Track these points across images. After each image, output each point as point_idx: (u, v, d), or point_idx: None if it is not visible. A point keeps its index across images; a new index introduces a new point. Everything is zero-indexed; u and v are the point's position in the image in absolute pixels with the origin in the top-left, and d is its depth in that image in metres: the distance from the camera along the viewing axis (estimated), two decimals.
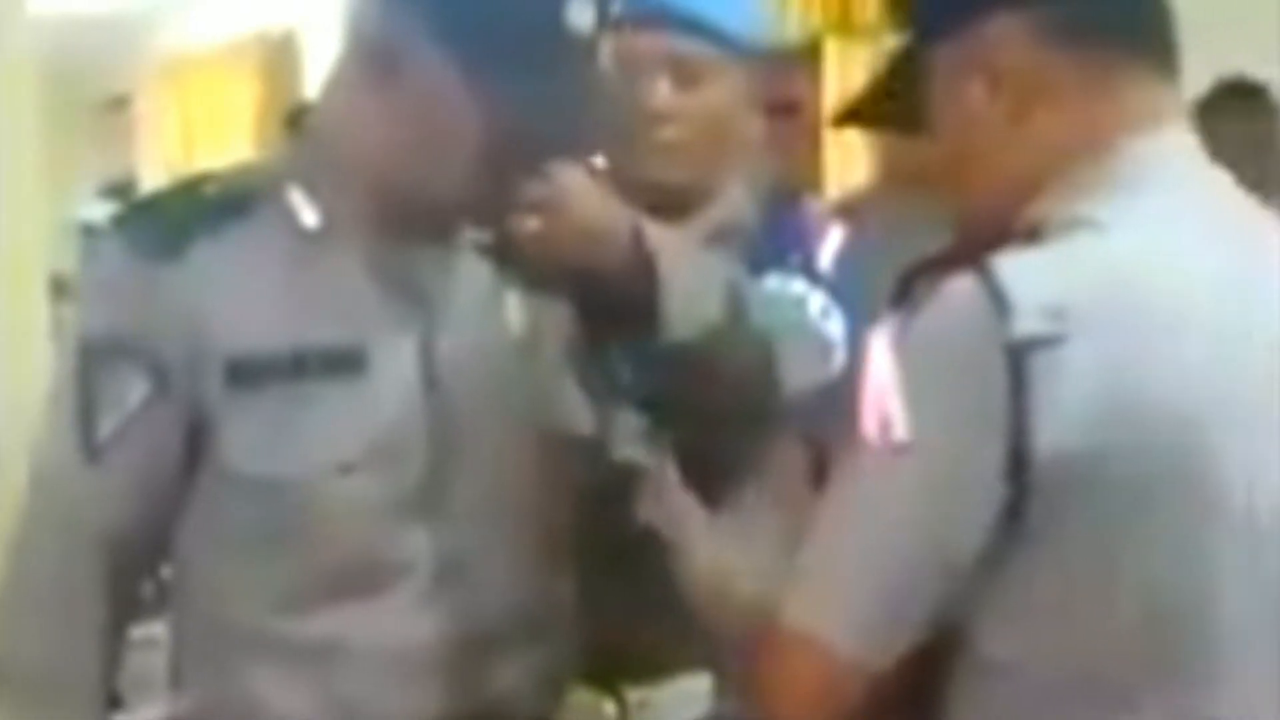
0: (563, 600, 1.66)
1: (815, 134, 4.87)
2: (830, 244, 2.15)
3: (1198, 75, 3.61)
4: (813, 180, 4.12)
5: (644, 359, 1.61)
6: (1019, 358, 1.11)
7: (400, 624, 1.52)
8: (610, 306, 1.58)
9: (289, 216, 1.52)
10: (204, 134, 8.09)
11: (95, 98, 8.86)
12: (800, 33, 5.33)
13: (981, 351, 1.13)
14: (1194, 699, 1.19)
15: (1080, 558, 1.15)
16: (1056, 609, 1.17)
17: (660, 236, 1.61)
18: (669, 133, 1.94)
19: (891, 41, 1.38)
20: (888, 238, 2.88)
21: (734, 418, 1.70)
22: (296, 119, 1.60)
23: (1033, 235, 1.18)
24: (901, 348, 1.16)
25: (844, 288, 2.09)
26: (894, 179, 2.99)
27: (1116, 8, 1.27)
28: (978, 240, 1.28)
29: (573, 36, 1.46)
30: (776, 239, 2.04)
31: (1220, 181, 1.28)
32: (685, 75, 1.93)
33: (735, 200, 2.02)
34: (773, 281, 1.97)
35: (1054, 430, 1.12)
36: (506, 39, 1.43)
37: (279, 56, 7.65)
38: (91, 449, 1.48)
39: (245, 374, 1.47)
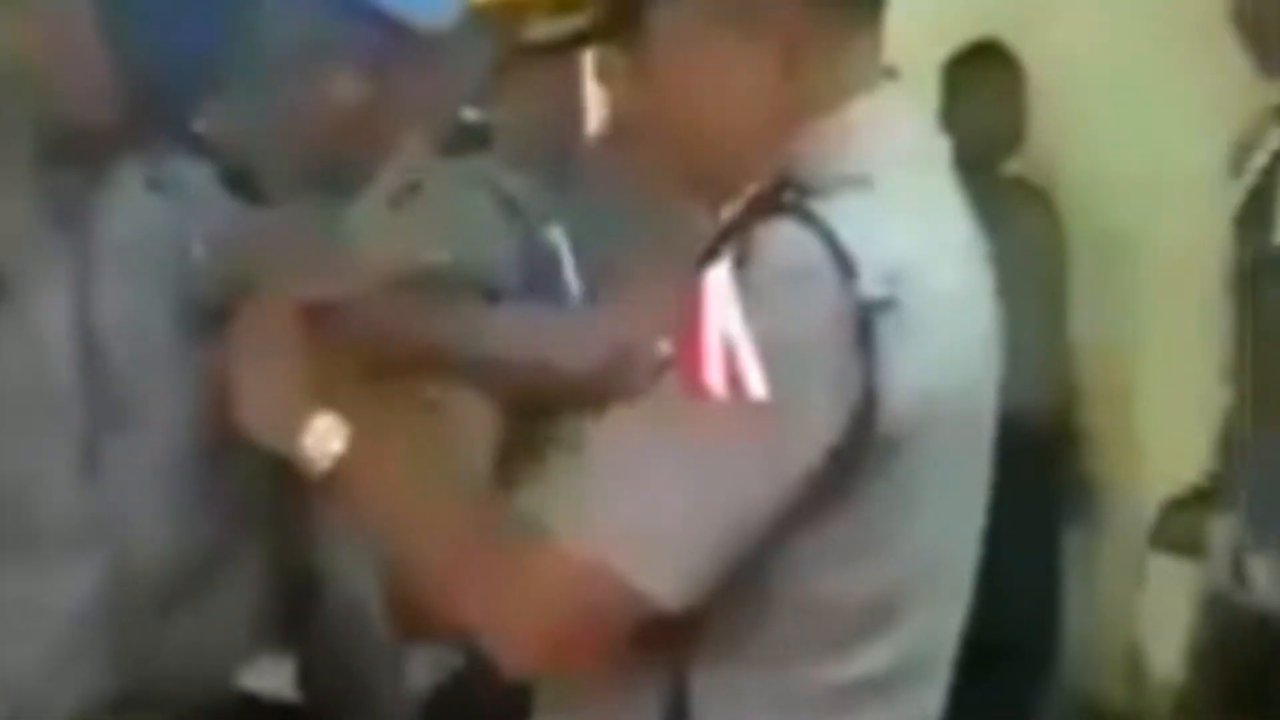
0: (245, 562, 1.55)
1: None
2: None
3: (948, 34, 3.76)
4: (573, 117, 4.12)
5: None
6: (866, 319, 1.14)
7: (59, 590, 1.43)
8: None
9: None
10: None
11: None
12: None
13: (834, 313, 1.14)
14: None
15: (894, 502, 1.21)
16: (864, 550, 1.21)
17: None
18: (354, 119, 1.90)
19: None
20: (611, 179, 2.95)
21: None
22: None
23: (802, 191, 1.18)
24: (747, 303, 1.15)
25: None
26: (621, 124, 3.05)
27: None
28: (708, 193, 1.31)
29: None
30: None
31: (937, 134, 1.35)
32: (377, 65, 1.88)
33: (415, 156, 2.05)
34: None
35: (893, 389, 1.16)
36: None
37: None
38: None
39: None
